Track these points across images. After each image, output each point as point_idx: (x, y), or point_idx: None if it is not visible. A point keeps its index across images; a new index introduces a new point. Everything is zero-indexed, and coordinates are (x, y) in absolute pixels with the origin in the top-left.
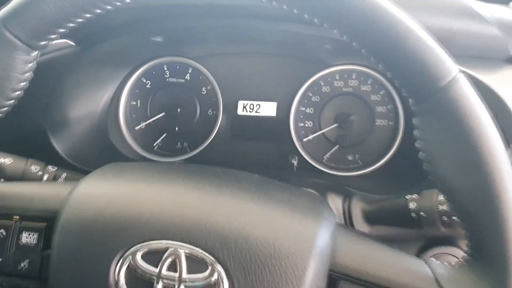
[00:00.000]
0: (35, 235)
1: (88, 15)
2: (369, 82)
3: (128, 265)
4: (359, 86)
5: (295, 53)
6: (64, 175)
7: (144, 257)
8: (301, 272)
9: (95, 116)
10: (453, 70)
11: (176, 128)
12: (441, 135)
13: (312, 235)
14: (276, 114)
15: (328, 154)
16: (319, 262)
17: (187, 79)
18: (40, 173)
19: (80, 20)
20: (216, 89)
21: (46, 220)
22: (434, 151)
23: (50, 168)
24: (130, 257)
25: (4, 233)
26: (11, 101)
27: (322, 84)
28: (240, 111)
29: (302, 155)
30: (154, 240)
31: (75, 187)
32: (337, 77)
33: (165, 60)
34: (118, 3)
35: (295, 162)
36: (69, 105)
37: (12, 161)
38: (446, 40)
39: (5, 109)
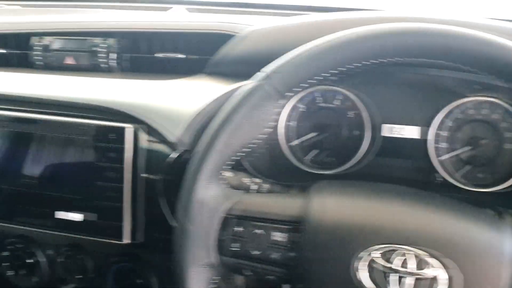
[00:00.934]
0: (284, 235)
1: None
2: (499, 111)
3: (367, 261)
4: (490, 114)
5: (433, 85)
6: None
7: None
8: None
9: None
10: None
11: (325, 145)
12: None
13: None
14: (417, 136)
15: (462, 171)
16: None
17: (336, 104)
18: (248, 183)
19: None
20: (362, 113)
21: (291, 224)
22: None
23: (256, 180)
24: (368, 254)
25: (261, 232)
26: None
27: (457, 111)
28: (383, 133)
29: (439, 173)
30: (386, 244)
31: (313, 198)
32: (470, 106)
33: (319, 89)
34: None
35: (440, 179)
36: None
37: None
38: None
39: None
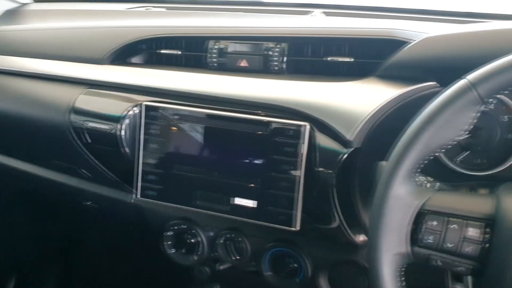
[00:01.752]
0: (477, 231)
1: None
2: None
3: None
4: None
5: None
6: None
7: None
8: None
9: None
10: None
11: (479, 148)
12: None
13: None
14: None
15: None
16: None
17: (490, 107)
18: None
19: None
20: None
21: (484, 221)
22: None
23: (429, 178)
24: None
25: (455, 226)
26: None
27: None
28: None
29: None
30: None
31: (503, 198)
32: None
33: None
34: None
35: None
36: None
37: None
38: None
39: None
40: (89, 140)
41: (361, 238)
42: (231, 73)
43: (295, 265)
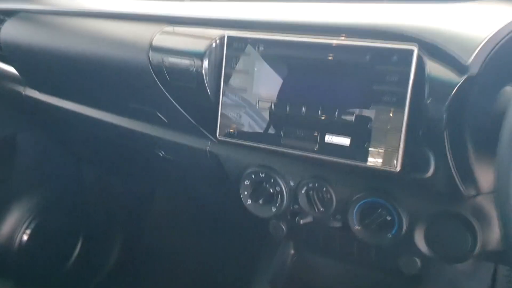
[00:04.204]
0: None
1: None
2: None
3: None
4: None
5: None
6: None
7: None
8: None
9: None
10: None
11: None
12: None
13: None
14: None
15: None
16: None
17: None
18: None
19: None
20: None
21: None
22: None
23: None
24: None
25: None
26: None
27: None
28: None
29: None
30: None
31: None
32: None
33: None
34: None
35: None
36: None
37: None
38: None
39: None
40: (168, 78)
41: (472, 188)
42: (320, 1)
43: (388, 217)
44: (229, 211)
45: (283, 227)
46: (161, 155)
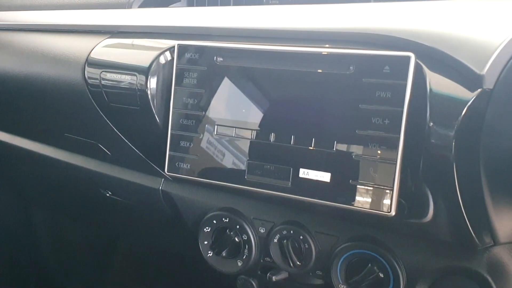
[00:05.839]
0: None
1: None
2: None
3: None
4: None
5: None
6: None
7: None
8: None
9: None
10: None
11: None
12: None
13: None
14: None
15: None
16: None
17: None
18: None
19: None
20: None
21: None
22: None
23: None
24: None
25: None
26: None
27: None
28: None
29: None
30: None
31: None
32: None
33: None
34: None
35: None
36: None
37: None
38: None
39: None
40: (107, 99)
41: (487, 237)
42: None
43: (381, 274)
44: (192, 263)
45: (254, 284)
46: (108, 195)
